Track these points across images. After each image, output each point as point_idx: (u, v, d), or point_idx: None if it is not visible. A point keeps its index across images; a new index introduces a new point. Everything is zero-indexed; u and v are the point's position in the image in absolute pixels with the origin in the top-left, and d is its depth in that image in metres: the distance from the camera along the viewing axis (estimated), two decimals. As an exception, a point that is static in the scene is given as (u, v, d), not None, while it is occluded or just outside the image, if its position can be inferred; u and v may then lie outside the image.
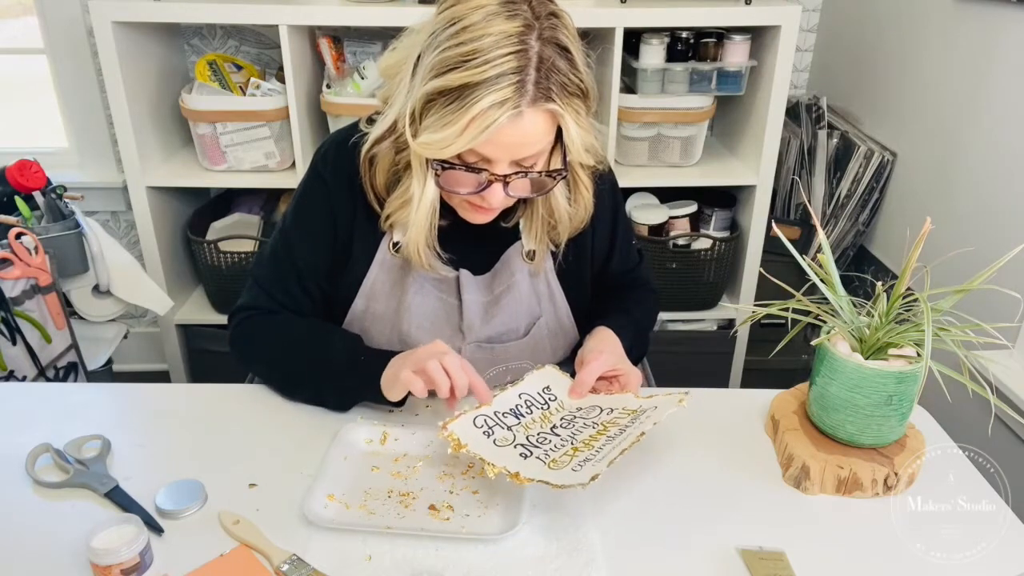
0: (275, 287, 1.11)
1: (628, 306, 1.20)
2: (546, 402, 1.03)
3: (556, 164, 0.97)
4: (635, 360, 1.10)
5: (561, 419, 1.00)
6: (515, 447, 0.93)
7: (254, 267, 1.16)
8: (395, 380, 0.97)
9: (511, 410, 1.00)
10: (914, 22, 1.88)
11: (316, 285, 1.12)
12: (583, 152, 0.96)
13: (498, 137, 0.88)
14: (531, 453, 0.92)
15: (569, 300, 1.16)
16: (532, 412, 1.01)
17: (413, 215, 0.99)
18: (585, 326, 1.21)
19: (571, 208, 1.06)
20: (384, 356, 1.02)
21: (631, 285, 1.25)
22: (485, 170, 0.92)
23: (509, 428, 0.97)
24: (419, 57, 0.92)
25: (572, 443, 0.94)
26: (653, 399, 1.00)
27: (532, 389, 1.04)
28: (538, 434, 0.97)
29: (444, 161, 0.92)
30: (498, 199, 0.94)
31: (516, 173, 0.92)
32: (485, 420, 0.97)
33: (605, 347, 1.07)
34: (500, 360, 1.13)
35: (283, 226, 1.13)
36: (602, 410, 1.01)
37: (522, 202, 1.07)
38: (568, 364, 1.12)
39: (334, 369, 1.04)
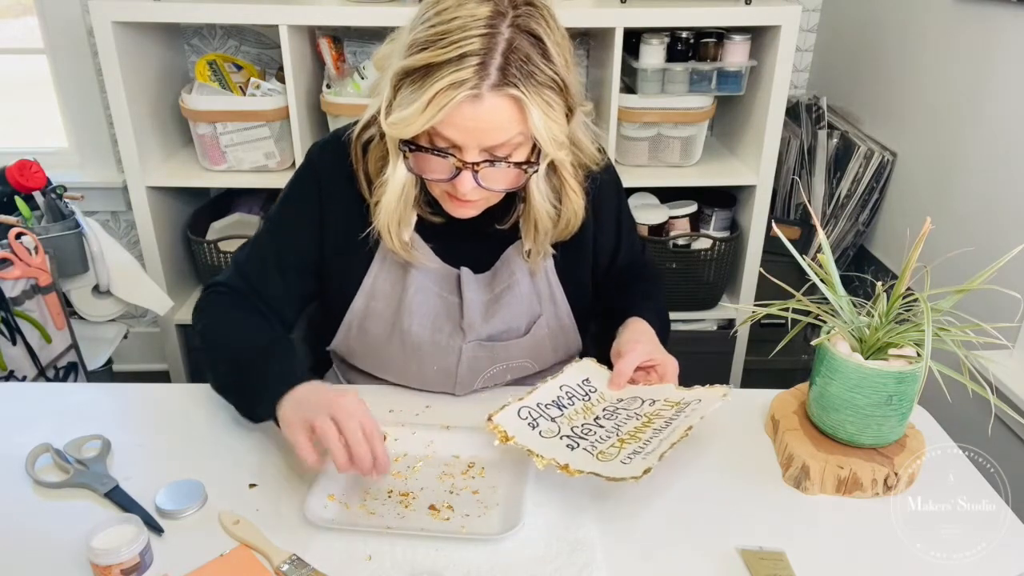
0: (252, 271, 1.09)
1: (651, 292, 1.21)
2: (587, 393, 1.04)
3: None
4: (662, 339, 1.11)
5: (603, 410, 1.01)
6: (560, 438, 0.95)
7: (236, 252, 1.14)
8: (286, 426, 0.90)
9: (553, 401, 1.02)
10: (914, 22, 1.88)
11: (296, 275, 1.10)
12: (553, 146, 0.93)
13: (459, 119, 0.87)
14: (578, 444, 0.94)
15: (569, 299, 1.16)
16: (574, 403, 1.02)
17: (385, 197, 0.99)
18: (585, 325, 1.21)
19: (553, 211, 1.05)
20: (292, 375, 0.94)
21: (641, 273, 1.26)
22: (453, 155, 0.91)
23: (553, 420, 0.99)
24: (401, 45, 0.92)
25: (618, 434, 0.95)
26: (694, 391, 1.00)
27: (572, 381, 1.06)
28: (582, 425, 0.98)
29: (411, 143, 0.92)
30: (468, 188, 0.93)
31: (485, 162, 0.91)
32: (529, 412, 0.99)
33: (641, 337, 1.07)
34: (500, 359, 1.13)
35: (270, 214, 1.12)
36: (643, 401, 1.02)
37: (519, 202, 1.07)
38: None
39: (244, 365, 0.98)
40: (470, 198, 0.96)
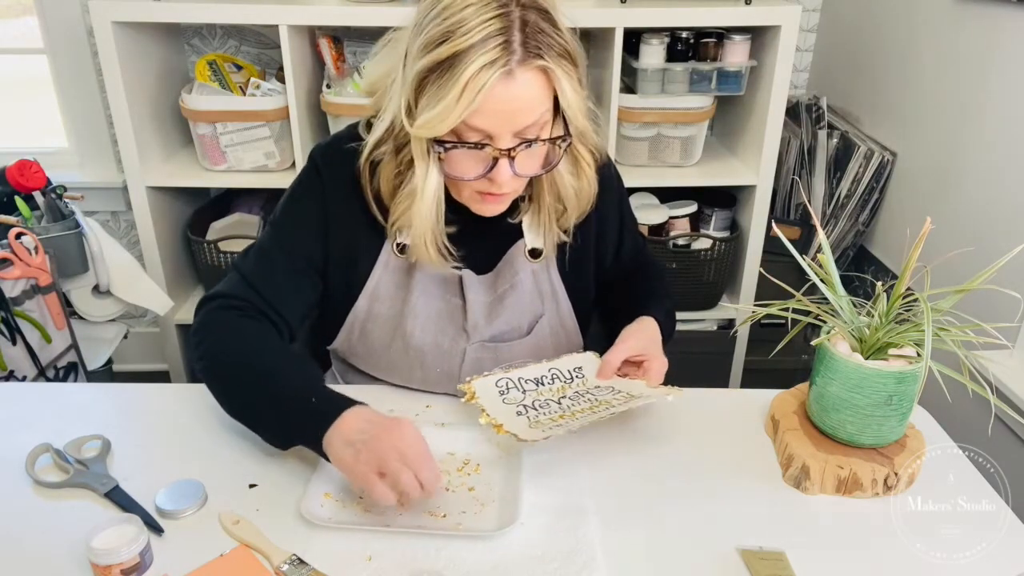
0: (259, 278, 1.04)
1: (659, 292, 1.21)
2: (572, 378, 1.07)
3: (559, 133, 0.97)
4: (669, 335, 1.13)
5: (574, 392, 1.04)
6: (517, 407, 0.99)
7: (237, 260, 1.09)
8: (351, 471, 0.86)
9: (535, 379, 1.06)
10: (914, 22, 1.88)
11: (306, 277, 1.08)
12: (581, 117, 0.95)
13: (493, 103, 0.87)
14: (525, 412, 0.98)
15: (571, 297, 1.17)
16: (553, 383, 1.05)
17: (417, 206, 0.99)
18: (586, 324, 1.21)
19: (576, 183, 1.05)
20: (336, 403, 0.90)
21: (646, 271, 1.26)
22: (488, 145, 0.91)
23: (524, 391, 1.03)
24: (407, 52, 0.92)
25: (563, 413, 0.98)
26: (658, 390, 1.02)
27: (564, 367, 1.09)
28: (545, 400, 1.01)
29: (445, 141, 0.92)
30: (506, 177, 0.93)
31: (520, 144, 0.92)
32: (507, 383, 1.04)
33: (639, 334, 1.08)
34: (504, 359, 1.13)
35: (274, 219, 1.10)
36: (614, 390, 1.03)
37: (528, 195, 1.07)
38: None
39: (280, 399, 0.93)
40: (505, 189, 0.96)
